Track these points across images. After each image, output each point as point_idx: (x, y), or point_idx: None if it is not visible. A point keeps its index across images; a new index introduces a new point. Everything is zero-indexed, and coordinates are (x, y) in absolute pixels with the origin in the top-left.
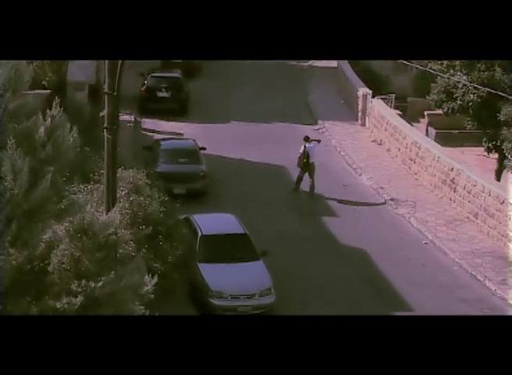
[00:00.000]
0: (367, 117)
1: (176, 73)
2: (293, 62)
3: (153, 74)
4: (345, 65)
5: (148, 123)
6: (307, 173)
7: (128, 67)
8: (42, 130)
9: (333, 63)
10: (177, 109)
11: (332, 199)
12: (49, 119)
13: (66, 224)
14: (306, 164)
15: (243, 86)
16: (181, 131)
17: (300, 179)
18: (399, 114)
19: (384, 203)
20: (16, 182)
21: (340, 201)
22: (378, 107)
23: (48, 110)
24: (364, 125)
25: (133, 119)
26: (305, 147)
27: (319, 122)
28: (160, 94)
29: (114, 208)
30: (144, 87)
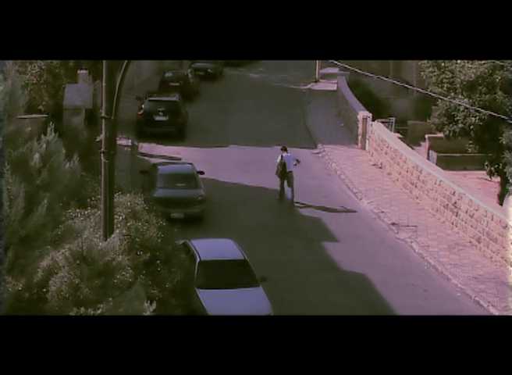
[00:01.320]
0: (367, 141)
1: (174, 97)
2: (292, 86)
3: (150, 98)
4: (344, 88)
5: (146, 147)
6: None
7: (125, 91)
8: (37, 156)
9: (332, 86)
10: (175, 133)
11: (332, 224)
12: (44, 145)
13: (64, 251)
14: (283, 173)
15: (241, 109)
16: (179, 155)
17: (281, 188)
18: (399, 137)
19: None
20: (11, 209)
21: (340, 226)
22: (379, 130)
23: (43, 136)
24: (365, 149)
25: (130, 144)
26: (282, 156)
27: (319, 145)
28: (157, 118)
29: (113, 235)
30: (142, 111)
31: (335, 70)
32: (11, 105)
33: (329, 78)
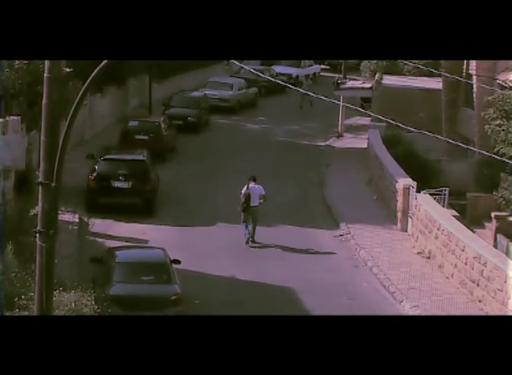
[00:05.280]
0: (409, 220)
1: (140, 155)
2: (306, 142)
3: (107, 156)
4: (378, 145)
5: (99, 224)
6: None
7: (72, 146)
8: None
9: (362, 143)
10: (140, 205)
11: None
12: None
13: None
14: (246, 207)
15: (233, 174)
16: (145, 237)
17: (247, 225)
18: (455, 216)
19: None
20: None
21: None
22: (426, 205)
23: None
24: (406, 231)
25: (77, 220)
26: (247, 187)
27: (342, 225)
28: (116, 184)
29: None
30: (95, 174)
31: (365, 121)
32: None
33: (357, 131)
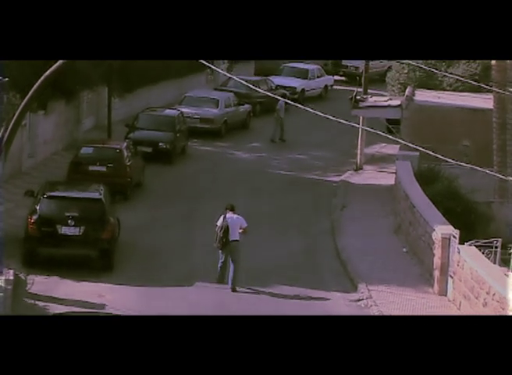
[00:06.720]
0: (450, 280)
1: (95, 192)
2: (314, 176)
3: (51, 193)
4: (409, 182)
5: (41, 283)
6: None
7: (6, 180)
8: None
9: (387, 178)
10: (95, 258)
11: None
12: None
13: None
14: (224, 242)
15: (218, 217)
16: (101, 300)
17: (224, 265)
18: (510, 275)
19: None
20: None
21: None
22: (472, 261)
23: None
24: (445, 294)
25: (11, 277)
26: (225, 217)
27: (360, 287)
28: (64, 230)
29: None
30: (35, 216)
31: (392, 150)
32: None
33: (381, 163)
